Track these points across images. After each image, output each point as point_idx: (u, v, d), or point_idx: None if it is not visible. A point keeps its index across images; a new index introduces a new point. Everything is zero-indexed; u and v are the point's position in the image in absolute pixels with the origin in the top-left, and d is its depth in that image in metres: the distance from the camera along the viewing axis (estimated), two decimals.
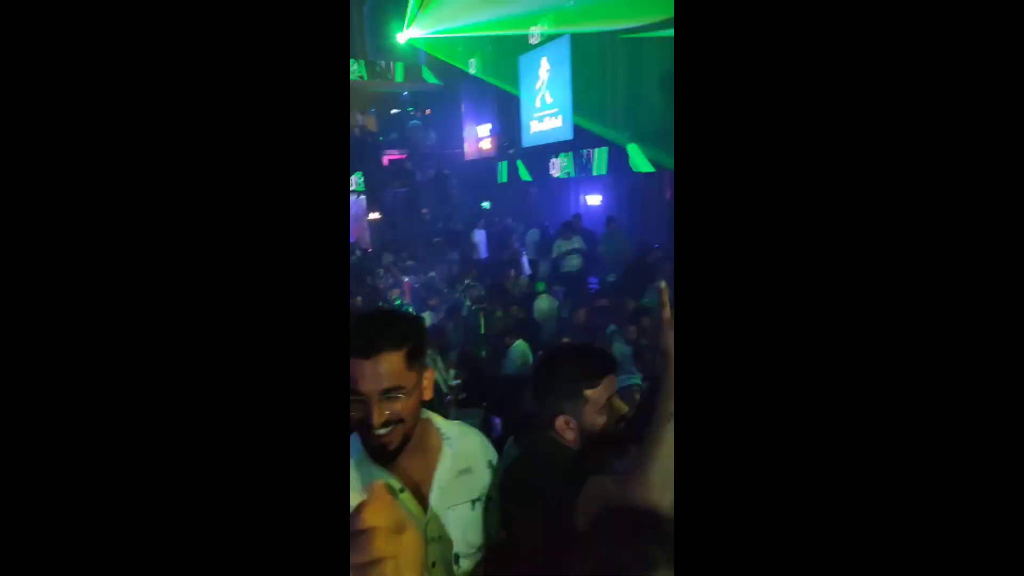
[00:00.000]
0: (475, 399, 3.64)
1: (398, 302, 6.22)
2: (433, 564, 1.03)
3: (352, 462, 1.03)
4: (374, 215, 12.59)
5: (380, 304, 5.87)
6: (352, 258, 10.27)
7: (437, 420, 1.12)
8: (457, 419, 3.41)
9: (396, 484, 1.02)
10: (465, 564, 1.07)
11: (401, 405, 0.98)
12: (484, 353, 4.20)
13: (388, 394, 0.96)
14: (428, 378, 1.05)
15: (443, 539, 1.04)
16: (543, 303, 5.62)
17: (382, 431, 0.97)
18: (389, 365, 0.96)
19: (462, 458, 1.10)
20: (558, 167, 9.83)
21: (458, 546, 1.06)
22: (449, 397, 3.78)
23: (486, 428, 3.35)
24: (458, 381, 3.79)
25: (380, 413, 0.96)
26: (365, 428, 0.98)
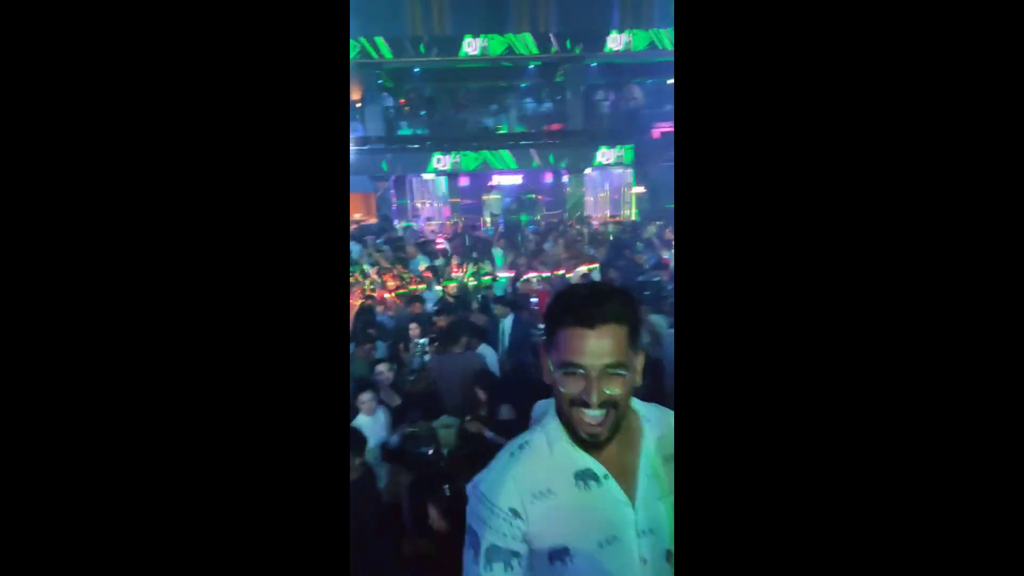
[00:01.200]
0: None
1: (657, 279, 6.17)
2: (644, 560, 0.91)
3: (556, 445, 0.94)
4: (638, 189, 12.58)
5: (640, 279, 5.88)
6: (612, 228, 10.50)
7: (633, 402, 0.99)
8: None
9: (600, 471, 0.93)
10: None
11: (620, 385, 0.88)
12: None
13: (610, 370, 0.87)
14: (641, 362, 0.93)
15: (655, 532, 0.93)
16: None
17: (596, 414, 0.88)
18: (615, 339, 0.87)
19: (667, 442, 0.96)
20: None
21: (670, 541, 0.93)
22: None
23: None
24: None
25: (600, 391, 0.87)
26: (578, 406, 0.89)
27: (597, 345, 0.87)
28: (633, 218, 11.95)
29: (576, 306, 0.88)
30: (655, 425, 0.97)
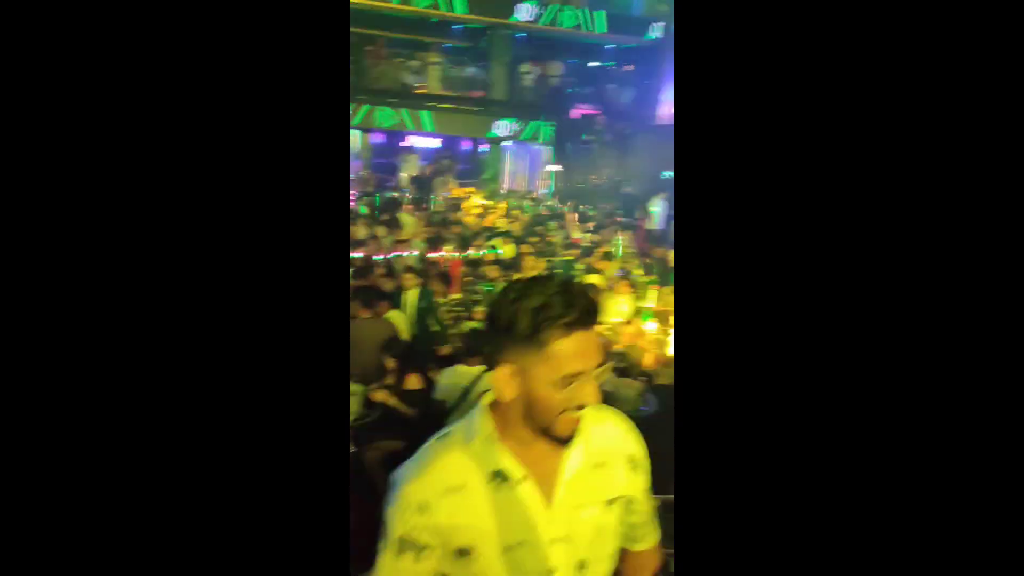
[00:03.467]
0: (632, 371, 3.62)
1: (569, 258, 6.29)
2: (551, 571, 0.90)
3: (477, 440, 0.91)
4: (556, 167, 12.71)
5: (549, 262, 5.94)
6: (528, 204, 10.56)
7: None
8: (615, 387, 3.37)
9: (518, 472, 0.89)
10: (591, 573, 0.94)
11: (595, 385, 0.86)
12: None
13: (595, 370, 0.84)
14: None
15: (569, 540, 0.91)
16: None
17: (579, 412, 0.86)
18: (598, 338, 0.85)
19: (596, 448, 0.94)
20: None
21: (586, 551, 0.92)
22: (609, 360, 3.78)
23: (640, 403, 3.31)
24: (621, 350, 3.78)
25: (598, 391, 0.85)
26: (571, 410, 0.85)
27: (594, 342, 0.84)
28: (549, 195, 12.08)
29: (568, 309, 0.81)
30: (586, 429, 0.91)
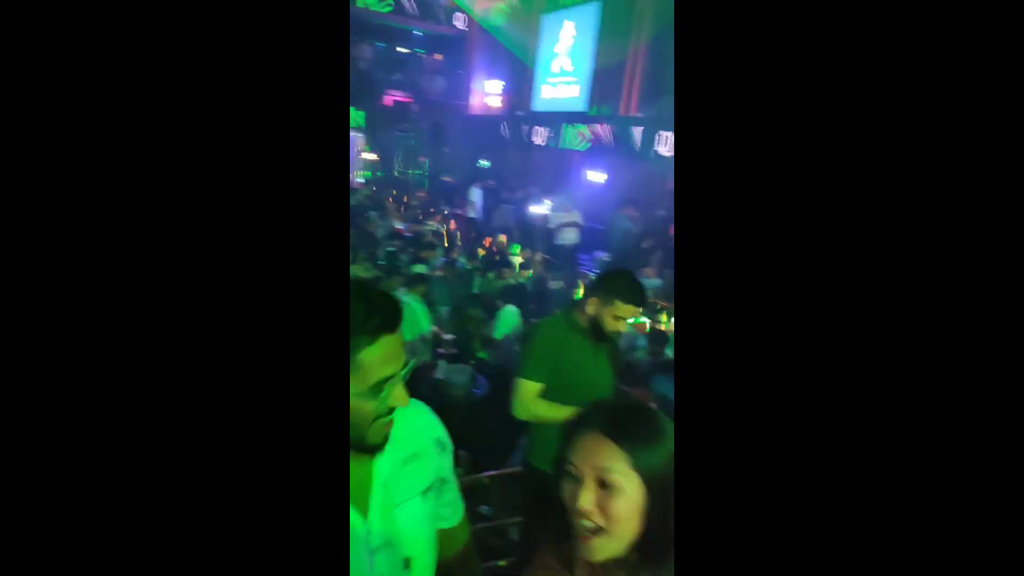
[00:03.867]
0: (464, 356, 3.69)
1: (390, 249, 6.15)
2: None
3: None
4: (370, 155, 12.30)
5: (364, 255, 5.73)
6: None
7: None
8: (447, 374, 3.40)
9: None
10: (418, 567, 0.91)
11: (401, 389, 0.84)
12: (475, 312, 4.22)
13: (402, 371, 0.83)
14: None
15: (390, 544, 0.88)
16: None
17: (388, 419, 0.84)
18: (401, 339, 0.84)
19: (404, 443, 0.90)
20: (542, 136, 9.86)
21: (408, 548, 0.90)
22: (442, 350, 3.81)
23: (472, 385, 3.41)
24: (451, 336, 3.83)
25: (403, 395, 0.83)
26: (369, 418, 0.82)
27: (399, 344, 0.84)
28: (364, 184, 11.65)
29: (372, 315, 0.80)
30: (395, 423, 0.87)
